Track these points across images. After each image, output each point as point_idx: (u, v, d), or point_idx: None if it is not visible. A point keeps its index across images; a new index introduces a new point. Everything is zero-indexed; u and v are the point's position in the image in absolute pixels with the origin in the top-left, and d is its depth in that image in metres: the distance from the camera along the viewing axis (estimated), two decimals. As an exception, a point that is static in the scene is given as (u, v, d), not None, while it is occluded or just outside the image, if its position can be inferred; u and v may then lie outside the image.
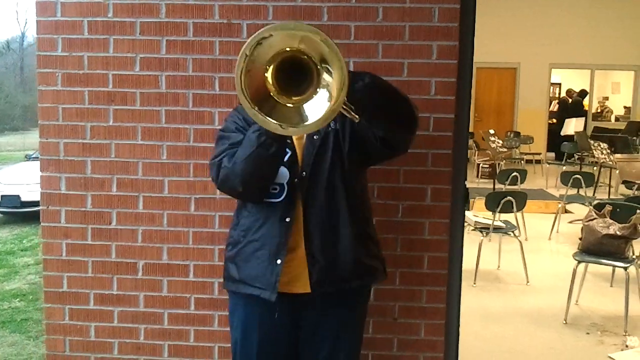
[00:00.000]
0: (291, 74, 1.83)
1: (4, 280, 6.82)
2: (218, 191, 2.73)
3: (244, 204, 2.26)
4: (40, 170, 2.84)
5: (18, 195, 10.01)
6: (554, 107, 15.91)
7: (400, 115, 2.12)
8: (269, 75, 1.82)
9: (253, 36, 1.77)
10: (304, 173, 2.16)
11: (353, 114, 1.90)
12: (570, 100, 15.51)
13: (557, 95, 16.66)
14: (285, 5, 2.69)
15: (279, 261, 2.14)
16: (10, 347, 4.75)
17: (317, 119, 1.82)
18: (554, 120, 15.18)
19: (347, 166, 2.20)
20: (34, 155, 11.61)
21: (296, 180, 2.15)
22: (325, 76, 1.81)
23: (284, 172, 2.13)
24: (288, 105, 1.84)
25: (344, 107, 1.86)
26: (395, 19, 2.69)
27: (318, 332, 2.24)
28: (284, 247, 2.14)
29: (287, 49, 1.81)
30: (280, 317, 2.18)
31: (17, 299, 6.10)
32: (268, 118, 1.81)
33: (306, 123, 1.84)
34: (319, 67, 1.81)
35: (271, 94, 1.83)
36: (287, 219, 2.15)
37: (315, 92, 1.83)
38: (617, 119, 16.04)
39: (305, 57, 1.81)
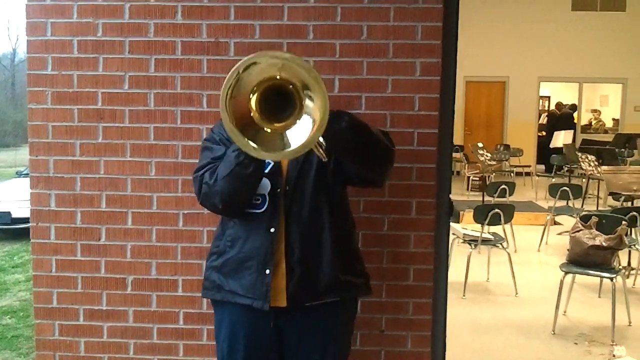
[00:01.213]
0: (275, 100, 1.88)
1: (-5, 297, 6.80)
2: (206, 206, 2.78)
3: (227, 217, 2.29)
4: (30, 187, 2.87)
5: (9, 212, 9.98)
6: (543, 120, 16.04)
7: (374, 156, 2.17)
8: (252, 102, 1.87)
9: (236, 65, 1.82)
10: (287, 187, 2.19)
11: (322, 152, 1.96)
12: (559, 112, 15.62)
13: (546, 108, 16.79)
14: (272, 24, 2.75)
15: (267, 271, 2.17)
16: (1, 364, 4.75)
17: (297, 145, 1.86)
18: (544, 133, 15.29)
19: (331, 183, 2.24)
20: (24, 172, 11.60)
21: (278, 190, 2.18)
22: (308, 102, 1.86)
23: (265, 183, 2.16)
24: (271, 131, 1.88)
25: (317, 143, 1.92)
26: (380, 37, 2.75)
27: (302, 346, 2.26)
28: (272, 257, 2.17)
29: (270, 77, 1.85)
30: (266, 330, 2.21)
31: (8, 316, 6.08)
32: (250, 142, 1.85)
33: (286, 150, 1.88)
34: (301, 94, 1.86)
35: (255, 120, 1.87)
36: (272, 230, 2.17)
37: (299, 118, 1.88)
38: (605, 132, 16.17)
39: (288, 84, 1.86)
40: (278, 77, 1.85)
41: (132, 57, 2.80)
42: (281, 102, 1.88)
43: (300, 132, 1.87)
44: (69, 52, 2.81)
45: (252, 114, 1.87)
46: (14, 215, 9.89)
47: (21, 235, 9.60)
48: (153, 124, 2.82)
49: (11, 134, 36.16)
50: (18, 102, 37.40)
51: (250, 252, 2.19)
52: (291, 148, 1.87)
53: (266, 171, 2.14)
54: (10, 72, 41.02)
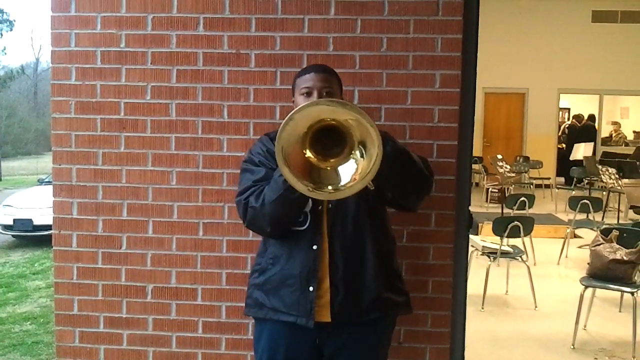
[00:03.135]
0: (325, 135, 1.93)
1: (16, 304, 6.88)
2: (226, 215, 2.81)
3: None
4: (53, 196, 2.91)
5: (30, 219, 10.11)
6: (563, 131, 15.91)
7: (413, 184, 2.20)
8: (308, 151, 1.93)
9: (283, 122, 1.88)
10: (329, 204, 2.20)
11: (368, 182, 1.97)
12: (579, 125, 15.51)
13: (564, 120, 16.67)
14: (292, 36, 2.77)
15: (311, 288, 2.17)
16: (21, 370, 4.80)
17: (345, 183, 1.93)
18: (563, 145, 15.17)
19: (372, 201, 2.24)
20: (46, 180, 11.76)
21: (320, 207, 2.19)
22: (357, 153, 1.91)
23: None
24: (327, 168, 1.95)
25: None
26: (399, 49, 2.76)
27: (339, 357, 2.26)
28: (315, 274, 2.18)
29: (328, 119, 1.91)
30: (307, 346, 2.23)
31: (29, 322, 6.15)
32: (317, 191, 1.92)
33: (340, 188, 1.93)
34: (355, 143, 1.91)
35: (313, 163, 1.94)
36: (315, 247, 2.18)
37: (347, 159, 1.93)
38: (626, 144, 16.02)
39: (345, 127, 1.91)
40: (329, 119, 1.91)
41: (154, 68, 2.84)
42: (332, 139, 1.93)
43: (347, 172, 1.93)
44: (93, 62, 2.86)
45: (310, 160, 1.93)
46: (36, 222, 10.03)
47: (42, 242, 9.73)
48: (174, 134, 2.85)
49: (33, 142, 36.69)
50: (40, 110, 37.97)
51: (292, 270, 2.20)
52: (343, 184, 1.93)
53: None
54: (33, 81, 41.64)
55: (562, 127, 15.90)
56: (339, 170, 1.94)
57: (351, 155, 1.93)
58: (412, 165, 2.15)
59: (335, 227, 2.20)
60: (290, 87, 2.44)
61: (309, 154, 1.93)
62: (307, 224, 2.19)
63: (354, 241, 2.22)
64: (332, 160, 1.94)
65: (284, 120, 1.87)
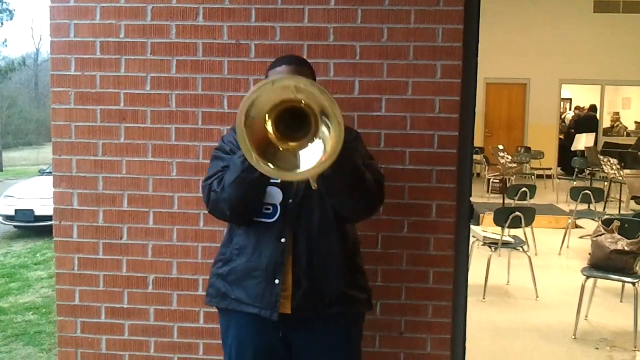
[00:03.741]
0: (290, 120, 1.89)
1: (18, 294, 6.90)
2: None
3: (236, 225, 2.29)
4: (53, 187, 2.91)
5: (32, 210, 10.13)
6: (570, 126, 15.83)
7: (355, 201, 2.15)
8: (269, 122, 1.87)
9: (252, 89, 1.84)
10: (294, 199, 2.18)
11: (313, 178, 1.93)
12: (581, 115, 15.47)
13: (566, 111, 16.62)
14: (292, 26, 2.76)
15: (277, 281, 2.16)
16: (23, 360, 4.82)
17: (308, 168, 1.87)
18: (561, 137, 15.13)
19: None
20: (47, 170, 11.76)
21: (290, 201, 2.17)
22: (323, 128, 1.86)
23: (277, 193, 2.16)
24: (286, 149, 1.89)
25: None
26: (400, 39, 2.75)
27: (309, 354, 2.25)
28: (281, 267, 2.16)
29: (288, 99, 1.86)
30: (274, 338, 2.21)
31: (31, 312, 6.17)
32: (269, 165, 1.87)
33: (298, 170, 1.88)
34: (318, 117, 1.86)
35: (274, 143, 1.88)
36: (283, 240, 2.17)
37: (312, 141, 1.88)
38: (627, 134, 15.99)
39: (305, 106, 1.86)
40: (296, 99, 1.85)
41: (153, 59, 2.83)
42: (296, 121, 1.88)
43: (312, 156, 1.87)
44: (92, 53, 2.85)
45: (269, 135, 1.88)
46: (37, 212, 10.06)
47: (44, 232, 9.75)
48: (174, 124, 2.84)
49: (34, 132, 36.70)
50: (41, 101, 37.96)
51: (259, 262, 2.19)
52: (300, 170, 1.88)
53: (278, 181, 2.13)
54: (33, 72, 41.62)
55: (563, 117, 15.84)
56: (300, 155, 1.89)
57: (316, 137, 1.87)
58: (360, 182, 2.10)
59: (301, 222, 2.18)
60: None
61: (270, 127, 1.87)
62: (277, 217, 2.18)
63: (319, 236, 2.20)
64: (292, 144, 1.89)
65: (264, 82, 1.85)
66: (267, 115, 1.86)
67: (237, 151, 2.12)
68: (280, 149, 1.89)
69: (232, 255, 2.25)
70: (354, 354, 2.35)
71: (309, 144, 1.88)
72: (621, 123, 16.28)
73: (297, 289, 2.17)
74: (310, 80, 1.86)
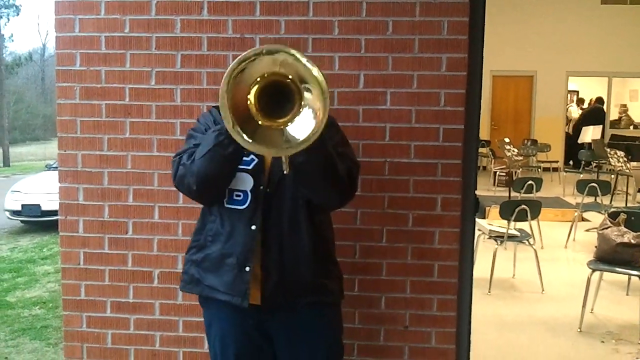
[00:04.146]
0: (275, 98, 1.86)
1: (25, 288, 6.93)
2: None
3: (209, 208, 2.26)
4: (59, 181, 2.92)
5: (39, 205, 10.17)
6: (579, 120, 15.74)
7: (325, 191, 2.13)
8: (252, 98, 1.85)
9: (237, 58, 1.81)
10: (269, 185, 2.16)
11: (286, 163, 1.92)
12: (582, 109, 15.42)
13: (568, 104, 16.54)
14: (297, 20, 2.75)
15: (247, 268, 2.14)
16: (31, 354, 4.85)
17: (305, 136, 1.84)
18: (570, 132, 15.06)
19: None
20: (54, 165, 11.77)
21: (261, 187, 2.15)
22: (307, 95, 1.84)
23: (248, 179, 2.14)
24: (268, 126, 1.86)
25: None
26: (405, 32, 2.74)
27: (290, 345, 2.24)
28: (252, 255, 2.15)
29: (267, 74, 1.84)
30: (252, 326, 2.21)
31: (38, 307, 6.20)
32: (251, 141, 1.83)
33: (295, 142, 1.85)
34: (299, 87, 1.84)
35: (254, 117, 1.85)
36: (253, 227, 2.15)
37: (299, 113, 1.85)
38: (635, 127, 15.91)
39: (287, 79, 1.84)
40: (268, 73, 1.83)
41: (158, 53, 2.83)
42: (281, 99, 1.86)
43: (305, 124, 1.84)
44: (97, 48, 2.85)
45: (250, 110, 1.85)
46: (44, 207, 10.09)
47: (50, 227, 9.78)
48: (179, 119, 2.84)
49: (41, 127, 36.82)
50: (48, 96, 38.05)
51: (231, 249, 2.17)
52: (299, 140, 1.84)
53: (249, 167, 2.12)
54: (40, 67, 41.71)
55: (566, 109, 15.75)
56: (289, 130, 1.86)
57: (302, 106, 1.85)
58: (332, 170, 2.07)
59: (272, 209, 2.16)
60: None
61: (251, 98, 1.84)
62: (248, 204, 2.16)
63: (290, 225, 2.17)
64: (280, 120, 1.86)
65: (255, 51, 1.82)
66: (251, 84, 1.84)
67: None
68: (260, 123, 1.85)
69: (206, 242, 2.23)
70: (332, 343, 2.33)
71: (297, 116, 1.85)
72: (628, 116, 16.18)
73: (267, 278, 2.15)
74: (297, 50, 1.83)
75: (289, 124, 1.86)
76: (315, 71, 1.81)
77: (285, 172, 1.94)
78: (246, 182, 2.15)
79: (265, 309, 2.17)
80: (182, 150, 2.20)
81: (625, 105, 16.32)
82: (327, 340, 2.30)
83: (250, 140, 1.84)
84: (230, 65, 1.81)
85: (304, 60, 1.81)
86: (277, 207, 2.17)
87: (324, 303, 2.28)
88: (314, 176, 2.05)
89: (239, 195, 2.16)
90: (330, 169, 2.05)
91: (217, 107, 2.19)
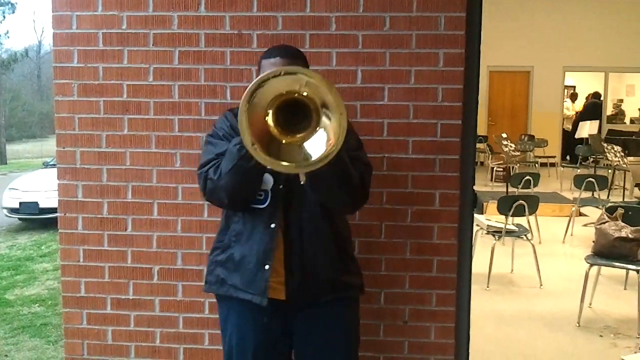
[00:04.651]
0: (290, 112, 1.89)
1: (24, 286, 6.93)
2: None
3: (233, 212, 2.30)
4: (58, 179, 2.92)
5: (36, 202, 10.15)
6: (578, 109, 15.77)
7: (338, 199, 2.18)
8: (270, 116, 1.88)
9: (257, 78, 1.85)
10: (286, 187, 2.18)
11: (302, 174, 1.96)
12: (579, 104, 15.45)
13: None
14: (294, 16, 2.76)
15: (266, 267, 2.18)
16: (30, 352, 4.84)
17: (318, 155, 1.88)
18: (569, 128, 15.08)
19: None
20: (51, 163, 11.78)
21: (280, 187, 2.18)
22: (324, 119, 1.88)
23: (268, 179, 2.16)
24: (290, 143, 1.90)
25: None
26: (402, 28, 2.74)
27: (310, 341, 2.27)
28: (271, 253, 2.18)
29: (289, 91, 1.87)
30: (271, 322, 2.23)
31: (37, 304, 6.20)
32: (271, 159, 1.88)
33: (310, 160, 1.89)
34: (319, 109, 1.87)
35: (273, 134, 1.89)
36: (272, 225, 2.18)
37: (315, 131, 1.89)
38: (632, 122, 15.93)
39: (305, 98, 1.87)
40: (300, 91, 1.87)
41: (156, 50, 2.83)
42: (298, 115, 1.90)
43: (317, 145, 1.89)
44: (95, 44, 2.85)
45: (269, 127, 1.88)
46: (42, 205, 10.07)
47: (48, 224, 9.77)
48: (177, 115, 2.85)
49: (37, 125, 36.74)
50: (44, 93, 37.97)
51: (252, 247, 2.20)
52: (320, 153, 1.88)
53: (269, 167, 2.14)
54: (36, 64, 41.59)
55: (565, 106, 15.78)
56: (305, 147, 1.90)
57: (318, 128, 1.89)
58: (344, 175, 2.10)
59: (291, 208, 2.20)
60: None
61: (270, 121, 1.88)
62: (267, 203, 2.19)
63: (310, 223, 2.21)
64: (298, 136, 1.90)
65: (273, 71, 1.86)
66: (268, 105, 1.87)
67: (231, 137, 2.14)
68: (283, 142, 1.90)
69: (230, 242, 2.27)
70: (351, 338, 2.37)
71: (313, 134, 1.89)
72: (621, 109, 16.20)
73: (291, 276, 2.19)
74: (321, 76, 1.88)
75: (307, 140, 1.90)
76: (342, 108, 1.84)
77: (301, 182, 1.98)
78: (267, 182, 2.18)
79: (289, 307, 2.20)
80: (204, 162, 2.23)
81: (621, 100, 16.34)
82: (347, 334, 2.35)
83: (269, 158, 1.88)
84: (250, 85, 1.84)
85: (328, 87, 1.85)
86: (297, 206, 2.20)
87: (345, 298, 2.33)
88: (329, 185, 2.09)
89: (261, 195, 2.19)
90: (345, 177, 2.10)
91: (231, 111, 2.26)
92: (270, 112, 1.88)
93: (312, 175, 1.98)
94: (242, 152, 1.97)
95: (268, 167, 1.93)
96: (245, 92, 1.84)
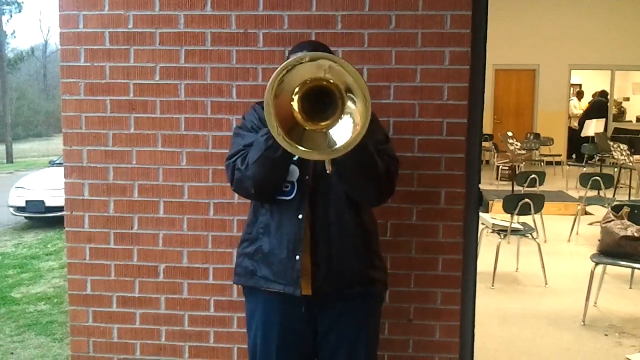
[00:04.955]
0: (316, 100, 1.92)
1: (30, 284, 6.95)
2: (236, 195, 2.82)
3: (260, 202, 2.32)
4: (64, 177, 2.93)
5: (42, 201, 10.19)
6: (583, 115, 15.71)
7: (365, 190, 2.20)
8: (295, 103, 1.91)
9: (282, 65, 1.87)
10: (313, 178, 2.21)
11: (329, 162, 1.99)
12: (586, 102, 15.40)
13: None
14: (300, 15, 2.76)
15: (297, 257, 2.20)
16: (36, 349, 4.86)
17: (343, 142, 1.90)
18: (575, 126, 15.03)
19: None
20: (57, 161, 11.81)
21: (307, 177, 2.20)
22: (350, 104, 1.89)
23: (294, 170, 2.19)
24: (315, 130, 1.93)
25: None
26: (408, 26, 2.74)
27: (333, 333, 2.29)
28: (301, 243, 2.20)
29: (313, 78, 1.89)
30: (299, 315, 2.25)
31: (43, 302, 6.22)
32: (298, 146, 1.90)
33: (335, 147, 1.92)
34: (344, 95, 1.89)
35: (299, 122, 1.92)
36: (300, 216, 2.21)
37: (340, 118, 1.91)
38: (638, 120, 15.87)
39: (330, 84, 1.89)
40: (325, 78, 1.88)
41: (162, 49, 2.84)
42: (324, 102, 1.92)
43: (346, 130, 1.90)
44: (101, 43, 2.86)
45: (294, 114, 1.91)
46: (48, 203, 10.11)
47: (54, 223, 9.81)
48: (184, 114, 2.85)
49: (43, 123, 36.84)
50: (50, 92, 38.08)
51: (281, 238, 2.23)
52: (347, 139, 1.90)
53: (295, 158, 2.14)
54: (42, 63, 41.70)
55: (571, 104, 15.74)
56: (330, 133, 1.92)
57: (343, 114, 1.91)
58: (371, 165, 2.13)
59: (317, 199, 2.22)
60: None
61: (295, 106, 1.91)
62: (294, 194, 2.21)
63: (336, 215, 2.23)
64: (322, 124, 1.93)
65: (297, 57, 1.88)
66: (294, 92, 1.89)
67: (259, 129, 2.17)
68: (307, 128, 1.92)
69: (258, 234, 2.30)
70: (373, 333, 2.41)
71: (338, 121, 1.92)
72: (623, 107, 16.16)
73: (316, 269, 2.21)
74: (344, 60, 1.89)
75: (332, 127, 1.92)
76: (365, 90, 1.86)
77: (328, 171, 2.01)
78: (293, 173, 2.20)
79: (314, 299, 2.22)
80: (232, 153, 2.26)
81: (627, 99, 16.29)
82: (370, 329, 2.37)
83: (296, 146, 1.90)
84: (274, 73, 1.86)
85: (351, 69, 1.86)
86: (323, 197, 2.23)
87: (370, 294, 2.36)
88: (355, 174, 2.11)
89: (287, 187, 2.22)
90: (371, 168, 2.12)
91: (260, 104, 2.28)
92: (296, 99, 1.90)
93: (339, 164, 2.01)
94: (269, 142, 2.01)
95: (296, 155, 1.95)
96: (271, 80, 1.86)
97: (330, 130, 1.92)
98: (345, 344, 2.30)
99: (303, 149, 1.91)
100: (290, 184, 2.21)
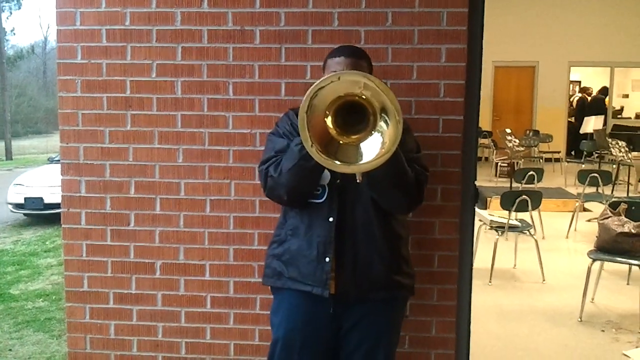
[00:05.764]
0: (348, 113, 1.97)
1: (28, 281, 6.96)
2: (233, 192, 2.83)
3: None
4: (61, 174, 2.94)
5: (41, 198, 10.19)
6: (576, 106, 15.76)
7: (394, 200, 2.24)
8: (329, 118, 1.95)
9: (320, 79, 1.92)
10: (343, 183, 2.23)
11: (359, 174, 2.02)
12: (588, 98, 15.38)
13: (575, 93, 16.53)
14: (297, 12, 2.76)
15: (327, 259, 2.24)
16: (34, 346, 4.88)
17: (368, 159, 1.95)
18: (572, 119, 15.06)
19: None
20: (56, 158, 11.80)
21: (338, 181, 2.23)
22: (382, 124, 1.93)
23: (325, 174, 2.21)
24: (348, 143, 1.98)
25: None
26: (404, 23, 2.74)
27: (356, 334, 2.32)
28: (331, 246, 2.24)
29: (348, 94, 1.93)
30: (324, 316, 2.28)
31: (41, 299, 6.23)
32: (334, 161, 1.95)
33: (361, 162, 1.96)
34: (377, 112, 1.93)
35: (332, 136, 1.97)
36: (331, 219, 2.24)
37: (371, 134, 1.96)
38: (637, 117, 15.87)
39: (363, 100, 1.93)
40: (360, 94, 1.93)
41: (159, 46, 2.84)
42: (354, 115, 1.96)
43: (371, 148, 1.95)
44: (98, 41, 2.86)
45: (328, 130, 1.96)
46: (46, 200, 10.11)
47: (53, 220, 9.81)
48: (180, 111, 2.86)
49: (43, 120, 36.83)
50: (50, 89, 38.04)
51: (310, 241, 2.26)
52: (362, 161, 1.95)
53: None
54: (42, 60, 41.65)
55: (572, 100, 15.75)
56: (361, 147, 1.97)
57: (374, 131, 1.96)
58: (403, 178, 2.17)
59: (347, 203, 2.25)
60: (296, 64, 2.59)
61: (329, 122, 1.96)
62: (325, 198, 2.25)
63: (365, 220, 2.26)
64: (353, 137, 1.98)
65: (333, 75, 1.94)
66: (328, 107, 1.94)
67: (291, 135, 2.22)
68: (341, 142, 1.97)
69: (287, 237, 2.33)
70: (396, 337, 2.45)
71: (369, 137, 1.96)
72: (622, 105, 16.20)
73: (341, 272, 2.25)
74: (379, 80, 1.93)
75: (363, 140, 1.97)
76: (399, 114, 1.90)
77: (358, 180, 2.05)
78: (324, 177, 2.23)
79: (341, 301, 2.26)
80: (265, 159, 2.30)
81: (627, 95, 16.29)
82: (392, 333, 2.41)
83: (332, 160, 1.95)
84: (308, 91, 1.91)
85: (386, 91, 1.91)
86: (352, 202, 2.26)
87: (395, 298, 2.39)
88: (385, 184, 2.15)
89: (318, 190, 2.25)
90: (402, 178, 2.15)
91: (293, 109, 2.33)
92: (329, 113, 1.95)
93: (369, 174, 2.04)
94: (303, 152, 2.02)
95: (327, 167, 2.00)
96: (305, 97, 1.90)
97: (361, 144, 1.97)
98: (365, 345, 2.32)
99: (339, 163, 1.96)
100: (321, 188, 2.25)
